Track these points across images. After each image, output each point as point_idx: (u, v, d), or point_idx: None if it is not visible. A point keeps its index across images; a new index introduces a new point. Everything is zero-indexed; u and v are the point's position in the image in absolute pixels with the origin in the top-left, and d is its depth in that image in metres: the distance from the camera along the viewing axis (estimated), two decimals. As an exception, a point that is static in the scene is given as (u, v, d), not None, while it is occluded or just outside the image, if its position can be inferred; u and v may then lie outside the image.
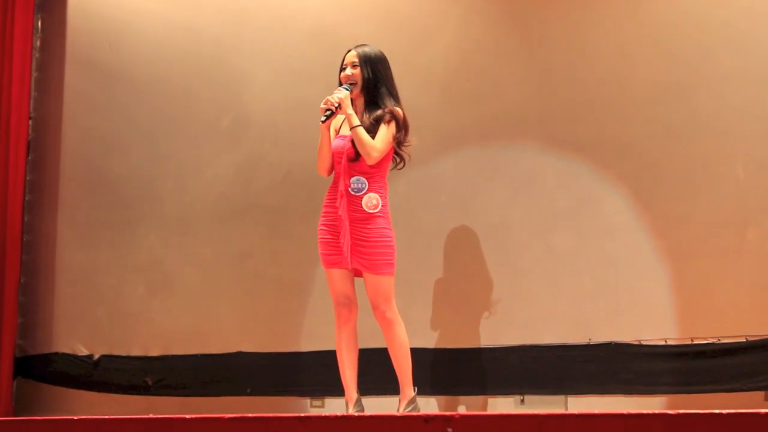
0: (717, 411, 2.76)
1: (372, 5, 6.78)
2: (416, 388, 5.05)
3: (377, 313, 5.02)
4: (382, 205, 4.99)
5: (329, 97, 4.97)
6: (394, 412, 4.87)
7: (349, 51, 5.16)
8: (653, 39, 6.19)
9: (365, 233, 4.96)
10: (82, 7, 7.44)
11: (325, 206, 5.12)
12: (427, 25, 6.62)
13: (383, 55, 5.13)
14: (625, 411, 2.88)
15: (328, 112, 4.97)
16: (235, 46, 7.01)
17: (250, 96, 6.90)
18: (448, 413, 2.98)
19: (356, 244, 4.96)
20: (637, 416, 2.83)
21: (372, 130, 4.98)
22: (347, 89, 5.04)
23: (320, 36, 6.78)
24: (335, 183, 5.09)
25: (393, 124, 4.98)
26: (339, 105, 4.97)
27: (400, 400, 5.05)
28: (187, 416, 3.27)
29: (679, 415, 2.77)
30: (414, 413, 4.85)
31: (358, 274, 5.09)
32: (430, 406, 6.20)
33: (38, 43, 7.50)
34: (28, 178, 7.30)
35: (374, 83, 5.07)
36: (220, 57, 7.04)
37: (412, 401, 5.02)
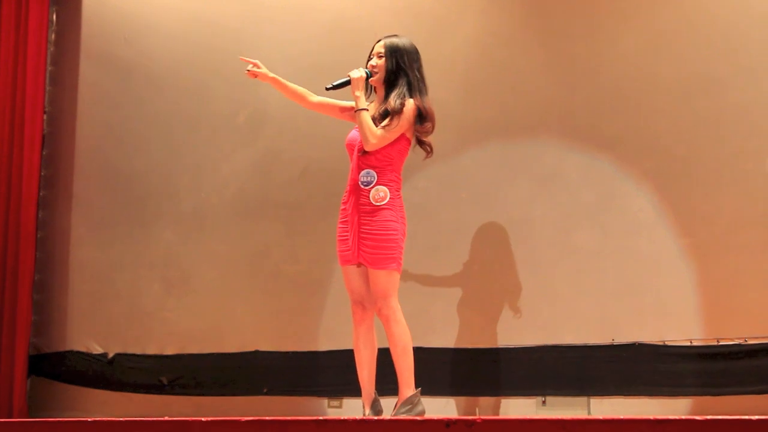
0: (746, 417, 2.72)
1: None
2: (419, 389, 4.94)
3: (375, 309, 4.97)
4: (390, 198, 4.92)
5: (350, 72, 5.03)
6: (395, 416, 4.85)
7: (378, 40, 5.12)
8: (680, 31, 6.14)
9: (370, 226, 4.91)
10: (97, 0, 7.43)
11: (342, 203, 5.09)
12: (447, 18, 6.59)
13: (413, 47, 5.07)
14: (651, 416, 2.84)
15: (338, 81, 5.02)
16: (253, 40, 6.97)
17: (267, 91, 6.75)
18: (469, 418, 2.95)
19: (361, 237, 4.92)
20: (663, 422, 2.79)
21: (382, 119, 4.95)
22: (366, 72, 5.04)
23: (338, 30, 6.77)
24: (351, 178, 5.05)
25: (402, 117, 4.91)
26: (349, 81, 5.00)
27: (397, 401, 4.94)
28: (203, 419, 3.25)
29: (706, 421, 2.73)
30: (410, 416, 4.79)
31: None
32: (450, 407, 6.17)
33: (53, 36, 7.51)
34: (42, 173, 7.31)
35: (395, 74, 5.03)
36: (237, 51, 6.89)
37: (409, 402, 4.89)
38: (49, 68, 7.43)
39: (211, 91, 7.07)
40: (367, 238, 4.90)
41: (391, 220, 4.90)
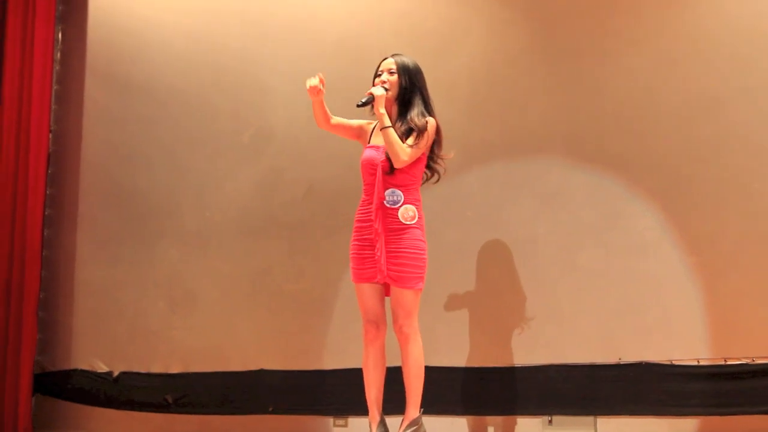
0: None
1: (395, 18, 6.68)
2: (422, 409, 4.95)
3: (396, 326, 4.94)
4: (418, 217, 4.92)
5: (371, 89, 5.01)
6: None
7: (385, 58, 5.14)
8: (685, 52, 6.11)
9: (400, 244, 4.90)
10: (102, 20, 7.35)
11: (357, 221, 5.06)
12: (451, 38, 6.53)
13: (419, 66, 5.11)
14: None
15: (366, 98, 4.98)
16: (257, 59, 6.92)
17: (271, 110, 6.84)
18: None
19: (390, 255, 4.88)
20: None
21: (403, 138, 4.94)
22: (385, 90, 5.01)
23: (343, 49, 6.70)
24: (367, 197, 5.03)
25: (425, 135, 4.93)
26: (373, 99, 4.97)
27: (402, 421, 4.95)
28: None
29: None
30: None
31: (387, 293, 5.01)
32: (461, 426, 6.13)
33: (59, 55, 7.44)
34: (48, 192, 7.22)
35: (410, 93, 5.03)
36: (241, 70, 6.95)
37: (415, 423, 4.92)
38: (54, 87, 7.37)
39: (216, 110, 6.99)
40: (398, 256, 4.88)
41: (420, 239, 4.94)
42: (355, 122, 5.21)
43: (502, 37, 6.48)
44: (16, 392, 6.84)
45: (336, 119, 5.19)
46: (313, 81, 4.97)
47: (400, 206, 4.90)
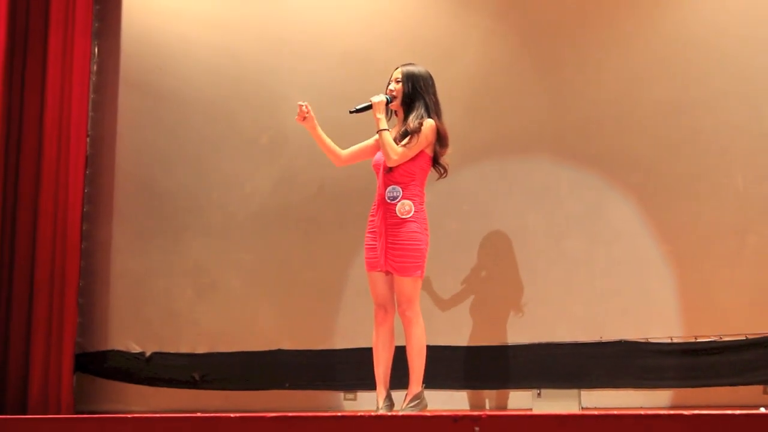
0: (730, 412, 2.67)
1: (399, 31, 6.72)
2: (424, 385, 4.96)
3: (399, 311, 4.95)
4: (415, 211, 4.92)
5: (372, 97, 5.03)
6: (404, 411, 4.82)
7: (396, 68, 5.13)
8: (658, 62, 6.14)
9: (397, 237, 4.90)
10: (135, 35, 7.41)
11: (370, 215, 5.07)
12: (451, 49, 6.57)
13: (428, 73, 5.10)
14: (641, 411, 2.79)
15: (360, 105, 5.01)
16: (274, 70, 6.97)
17: (286, 116, 6.74)
18: (475, 413, 2.90)
19: (389, 247, 4.90)
20: (652, 417, 2.73)
21: (402, 138, 4.95)
22: (387, 97, 5.04)
23: (351, 61, 6.74)
24: (378, 194, 5.04)
25: (421, 135, 4.92)
26: (371, 105, 4.99)
27: (405, 396, 4.95)
28: (231, 415, 3.20)
29: (693, 416, 2.68)
30: (418, 411, 4.82)
31: None
32: (460, 398, 6.16)
33: (95, 67, 7.47)
34: (86, 190, 7.26)
35: (413, 98, 5.03)
36: (259, 80, 6.99)
37: (417, 397, 4.92)
38: (91, 96, 7.40)
39: (237, 115, 7.04)
40: (395, 248, 4.88)
41: (416, 232, 4.91)
42: (372, 139, 5.19)
43: (495, 48, 6.53)
44: (60, 371, 6.88)
45: (349, 150, 5.22)
46: (300, 108, 5.05)
47: (398, 201, 4.90)
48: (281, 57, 6.97)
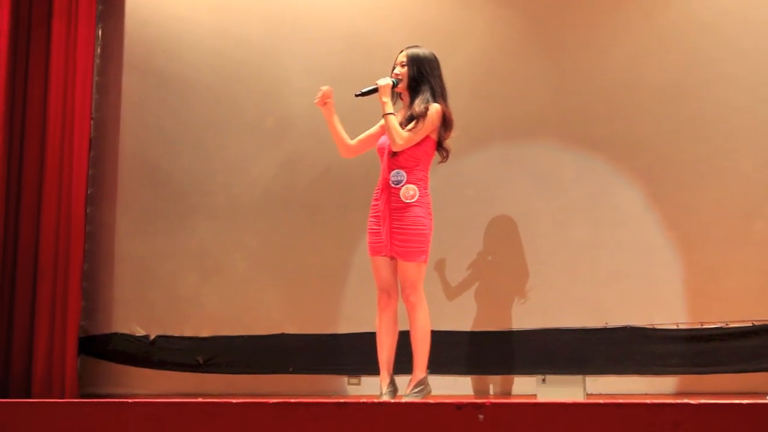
0: (737, 402, 2.64)
1: (403, 16, 6.70)
2: (429, 370, 4.94)
3: (403, 296, 4.92)
4: (420, 196, 4.87)
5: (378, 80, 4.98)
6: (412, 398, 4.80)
7: (401, 51, 5.08)
8: (663, 45, 6.11)
9: (401, 221, 4.86)
10: (138, 18, 7.40)
11: (373, 200, 5.03)
12: (455, 34, 6.53)
13: (433, 55, 5.05)
14: (646, 399, 2.76)
15: (366, 89, 4.97)
16: (277, 54, 6.95)
17: (290, 99, 6.84)
18: (479, 400, 2.87)
19: (393, 231, 4.86)
20: (658, 405, 2.71)
21: (408, 123, 4.90)
22: (393, 80, 4.98)
23: (354, 45, 6.72)
24: (382, 178, 5.00)
25: (427, 120, 4.87)
26: (377, 89, 4.94)
27: (410, 381, 4.93)
28: (234, 400, 3.17)
29: (700, 405, 2.65)
30: (422, 397, 4.81)
31: None
32: (464, 384, 6.15)
33: (99, 50, 7.47)
34: (90, 172, 7.26)
35: (418, 81, 4.98)
36: (263, 64, 6.98)
37: (421, 383, 4.89)
38: (95, 79, 7.40)
39: (241, 99, 7.02)
40: (399, 232, 4.85)
41: (421, 216, 4.87)
42: (377, 126, 5.14)
43: (500, 33, 6.50)
44: (64, 353, 6.90)
45: (356, 139, 5.17)
46: (322, 91, 5.02)
47: (402, 185, 4.87)
48: (285, 40, 6.95)
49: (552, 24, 6.39)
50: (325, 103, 5.04)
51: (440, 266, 6.16)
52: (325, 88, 5.04)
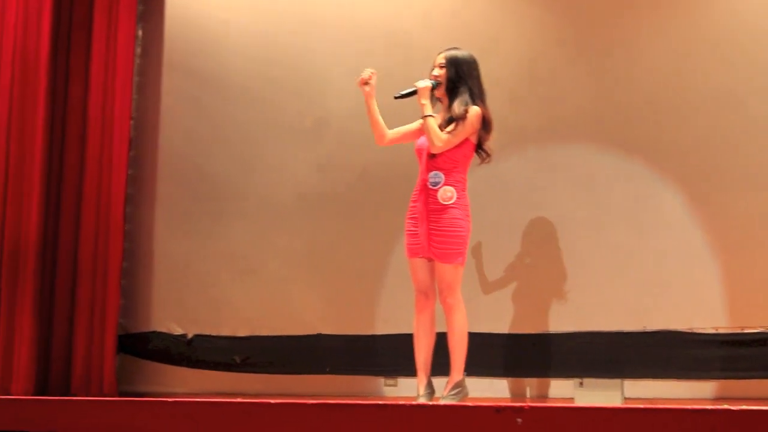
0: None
1: (442, 17, 6.67)
2: (466, 373, 4.94)
3: (440, 298, 4.93)
4: (458, 198, 4.88)
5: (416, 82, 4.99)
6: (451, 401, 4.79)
7: (439, 53, 5.08)
8: (710, 47, 6.05)
9: (439, 223, 4.87)
10: (178, 18, 7.43)
11: (411, 201, 5.04)
12: (494, 36, 6.51)
13: (471, 57, 5.06)
14: (686, 406, 2.74)
15: (405, 91, 4.99)
16: (315, 55, 6.95)
17: (329, 100, 6.84)
18: (518, 404, 2.87)
19: (431, 233, 4.87)
20: (696, 411, 2.70)
21: (447, 125, 4.91)
22: (432, 83, 4.99)
23: (394, 46, 6.70)
24: (420, 179, 5.01)
25: (466, 122, 4.88)
26: (416, 91, 4.95)
27: (447, 383, 4.94)
28: (272, 401, 3.20)
29: (741, 411, 2.64)
30: (455, 401, 4.79)
31: None
32: (500, 386, 6.14)
33: (139, 50, 7.50)
34: (129, 173, 7.29)
35: (456, 83, 4.98)
36: (302, 65, 6.98)
37: (458, 385, 4.90)
38: (135, 79, 7.43)
39: (279, 99, 7.03)
40: (436, 234, 4.85)
41: (458, 218, 4.87)
42: (416, 123, 5.14)
43: (539, 35, 6.48)
44: (102, 351, 6.94)
45: (393, 131, 5.17)
46: (364, 73, 5.04)
47: (440, 187, 4.87)
48: (324, 41, 6.95)
49: (591, 25, 6.36)
50: (366, 83, 5.05)
51: (477, 252, 6.12)
52: (369, 70, 5.06)
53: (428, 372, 4.99)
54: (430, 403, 4.68)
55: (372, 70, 5.07)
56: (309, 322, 6.69)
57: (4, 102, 6.90)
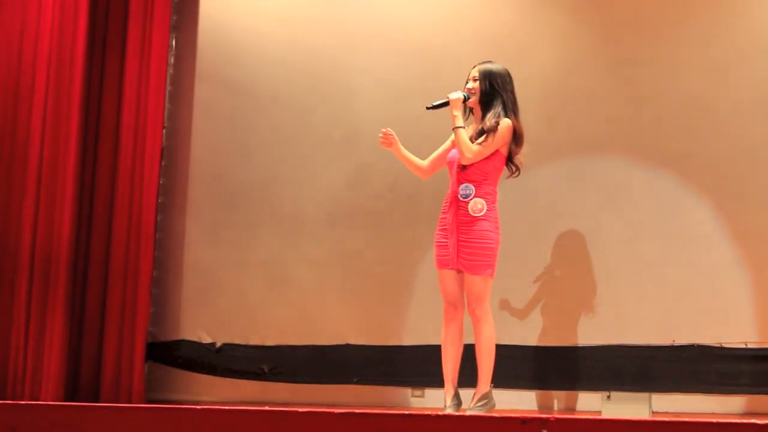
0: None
1: (474, 29, 6.69)
2: (493, 384, 4.95)
3: (469, 309, 4.95)
4: (488, 210, 4.90)
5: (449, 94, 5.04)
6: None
7: (474, 66, 5.13)
8: (739, 59, 6.05)
9: (469, 235, 4.89)
10: (211, 29, 7.46)
11: (441, 212, 5.07)
12: (525, 47, 6.52)
13: (505, 70, 5.10)
14: (714, 419, 2.74)
15: (437, 102, 5.04)
16: (347, 66, 6.97)
17: (360, 111, 6.85)
18: (544, 415, 2.88)
19: (461, 245, 4.89)
20: (725, 425, 2.69)
21: (478, 137, 4.94)
22: (464, 95, 5.03)
23: (426, 57, 6.72)
24: (450, 191, 5.05)
25: (497, 134, 4.90)
26: (448, 102, 4.99)
27: (474, 395, 4.94)
28: (300, 409, 3.22)
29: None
30: (482, 413, 4.77)
31: None
32: (528, 398, 6.14)
33: (172, 59, 7.53)
34: (161, 181, 7.32)
35: (490, 96, 5.01)
36: (333, 76, 7.00)
37: (485, 397, 4.91)
38: (168, 88, 7.46)
39: (310, 110, 7.05)
40: (466, 246, 4.87)
41: (488, 230, 4.90)
42: (447, 142, 5.20)
43: (570, 47, 6.49)
44: (132, 359, 6.97)
45: (429, 160, 5.25)
46: (382, 136, 5.16)
47: (471, 199, 4.90)
48: (356, 52, 6.97)
49: (622, 36, 6.37)
50: (390, 144, 5.16)
51: (504, 280, 6.12)
52: (386, 130, 5.16)
53: (455, 383, 5.00)
54: (457, 414, 4.68)
55: (386, 129, 5.18)
56: (337, 332, 6.70)
57: (38, 109, 6.97)
